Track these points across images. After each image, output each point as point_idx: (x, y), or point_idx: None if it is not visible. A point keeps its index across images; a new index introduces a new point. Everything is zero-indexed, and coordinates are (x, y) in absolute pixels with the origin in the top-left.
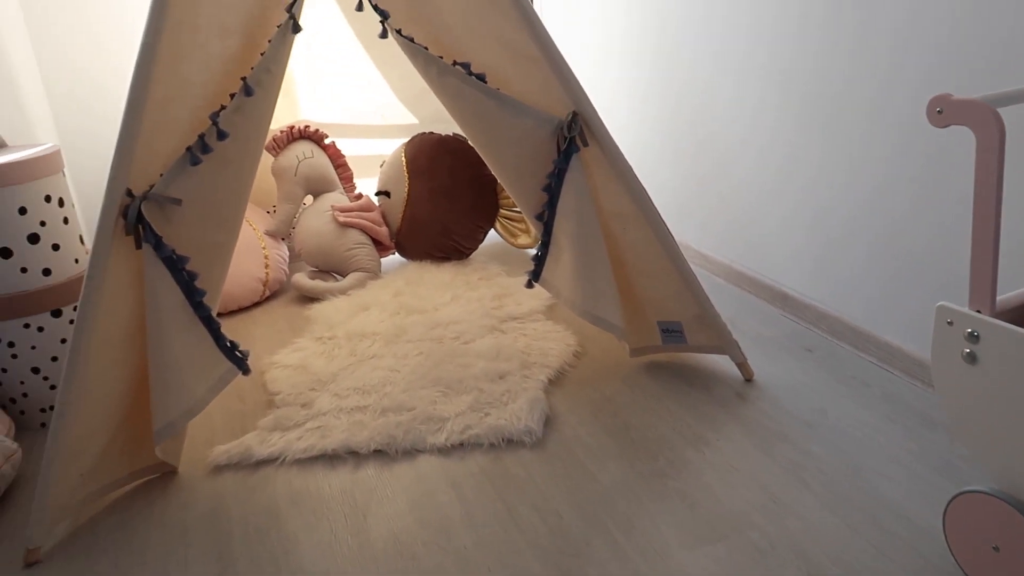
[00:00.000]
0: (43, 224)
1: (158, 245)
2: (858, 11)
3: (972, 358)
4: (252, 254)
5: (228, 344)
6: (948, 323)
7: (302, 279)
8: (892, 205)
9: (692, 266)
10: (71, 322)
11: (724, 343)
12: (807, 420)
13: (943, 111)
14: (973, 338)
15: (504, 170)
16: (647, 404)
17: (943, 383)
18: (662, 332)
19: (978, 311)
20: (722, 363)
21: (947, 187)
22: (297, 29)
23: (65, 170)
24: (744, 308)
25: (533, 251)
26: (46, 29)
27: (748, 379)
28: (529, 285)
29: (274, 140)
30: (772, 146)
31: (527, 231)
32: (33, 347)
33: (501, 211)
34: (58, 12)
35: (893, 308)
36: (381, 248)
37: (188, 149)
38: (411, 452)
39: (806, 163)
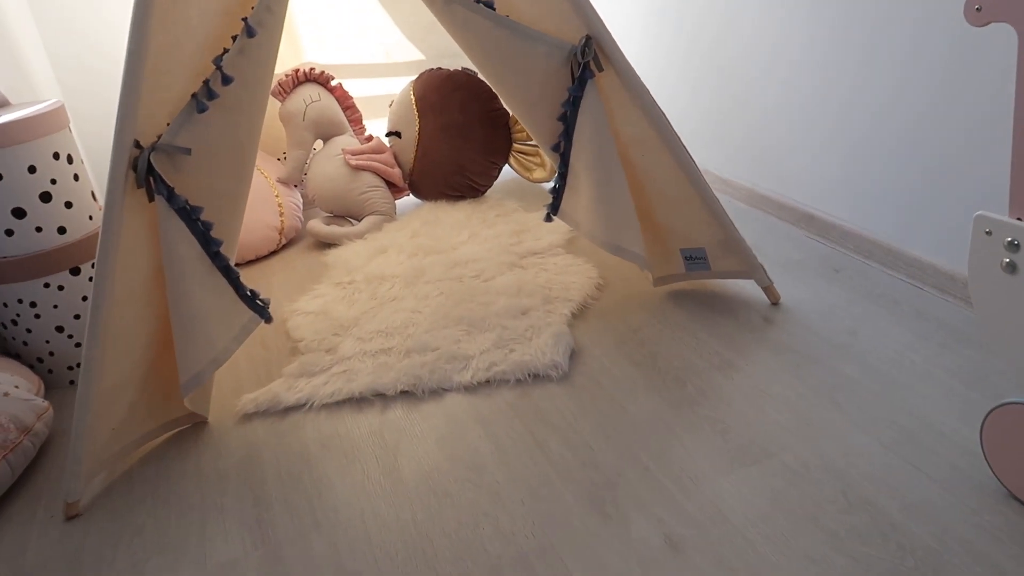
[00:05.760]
0: (54, 182)
1: (171, 196)
2: None
3: (1012, 268)
4: (266, 203)
5: (248, 293)
6: (987, 232)
7: (317, 225)
8: (911, 108)
9: (714, 191)
10: (91, 279)
11: (749, 267)
12: (837, 341)
13: (982, 8)
14: (1013, 247)
15: (517, 101)
16: (673, 333)
17: (981, 295)
18: (685, 260)
19: (1019, 219)
20: (748, 288)
21: (972, 87)
22: None
23: (71, 127)
24: (768, 231)
25: (550, 184)
26: None
27: (775, 303)
28: (548, 219)
29: (280, 84)
30: (786, 45)
31: (542, 164)
32: (55, 306)
33: (515, 146)
34: None
35: (922, 222)
36: (395, 190)
37: (194, 96)
38: (438, 391)
39: (817, 66)
